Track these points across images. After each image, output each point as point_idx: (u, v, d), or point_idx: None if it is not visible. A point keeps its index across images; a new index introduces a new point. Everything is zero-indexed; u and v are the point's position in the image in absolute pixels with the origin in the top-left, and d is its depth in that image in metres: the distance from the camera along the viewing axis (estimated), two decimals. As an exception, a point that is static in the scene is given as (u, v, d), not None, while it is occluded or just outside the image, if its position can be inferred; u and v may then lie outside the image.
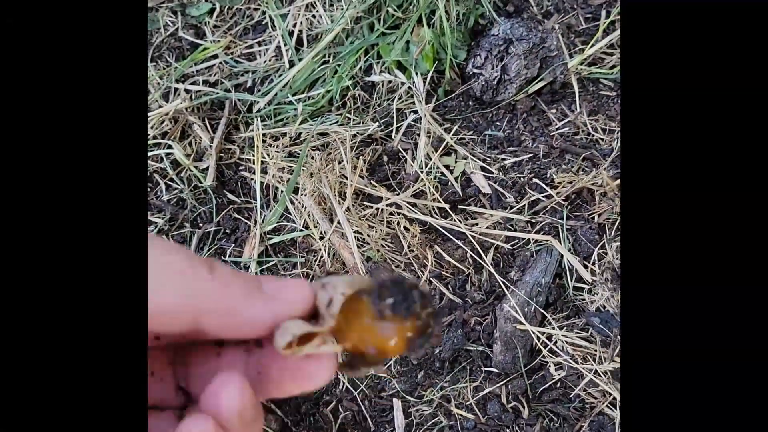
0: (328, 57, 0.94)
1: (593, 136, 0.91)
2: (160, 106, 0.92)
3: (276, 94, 0.93)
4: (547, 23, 0.95)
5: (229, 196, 0.91)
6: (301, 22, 0.96)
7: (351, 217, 0.86)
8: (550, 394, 0.84)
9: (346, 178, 0.87)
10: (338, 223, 0.86)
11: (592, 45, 0.93)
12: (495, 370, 0.85)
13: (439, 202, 0.87)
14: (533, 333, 0.83)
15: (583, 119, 0.91)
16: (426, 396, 0.84)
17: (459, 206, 0.89)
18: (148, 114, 0.91)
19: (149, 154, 0.91)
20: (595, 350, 0.83)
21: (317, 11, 0.96)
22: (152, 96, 0.93)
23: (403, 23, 0.93)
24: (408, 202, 0.87)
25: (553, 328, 0.83)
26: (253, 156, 0.90)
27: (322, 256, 0.87)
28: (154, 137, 0.91)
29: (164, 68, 0.95)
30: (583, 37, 0.96)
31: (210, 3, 0.98)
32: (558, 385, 0.84)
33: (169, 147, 0.90)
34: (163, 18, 0.98)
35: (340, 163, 0.88)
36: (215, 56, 0.96)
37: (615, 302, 0.83)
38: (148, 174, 0.90)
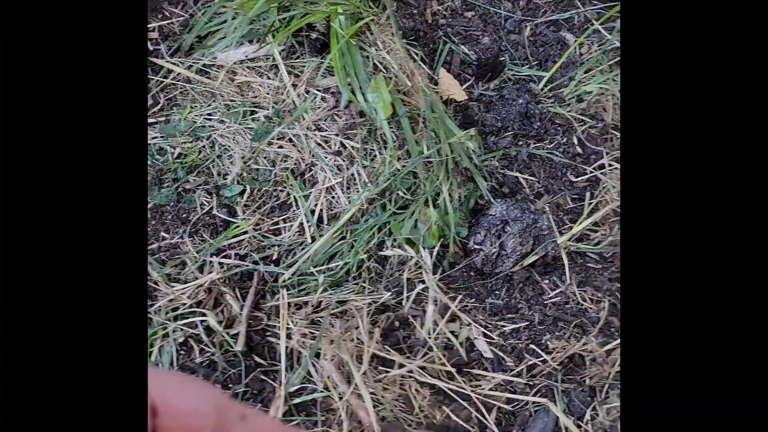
0: (346, 233, 1.13)
1: (582, 305, 1.08)
2: (196, 278, 1.10)
3: (299, 266, 1.11)
4: (539, 203, 1.15)
5: (257, 359, 1.07)
6: (322, 203, 1.16)
7: (367, 380, 1.02)
8: None
9: (363, 343, 1.03)
10: (355, 385, 1.02)
11: (579, 223, 1.12)
12: None
13: (446, 366, 1.03)
14: (534, 489, 0.97)
15: (573, 289, 1.09)
16: None
17: (464, 369, 1.05)
18: (185, 285, 1.09)
19: (184, 321, 1.08)
20: (591, 505, 0.96)
21: (336, 193, 1.16)
22: (189, 268, 1.11)
23: (411, 204, 1.13)
24: (419, 367, 1.02)
25: (552, 485, 0.96)
26: (279, 323, 1.07)
27: (340, 416, 1.02)
28: (190, 306, 1.09)
29: (200, 243, 1.14)
30: (570, 215, 1.15)
31: (241, 185, 1.18)
32: None
33: (203, 315, 1.07)
34: (199, 198, 1.18)
35: (357, 328, 1.04)
36: (245, 232, 1.15)
37: (608, 459, 0.97)
38: (183, 339, 1.07)
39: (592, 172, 1.17)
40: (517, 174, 1.19)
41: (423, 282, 1.10)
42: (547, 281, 1.11)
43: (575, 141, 1.21)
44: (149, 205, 1.19)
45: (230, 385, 1.06)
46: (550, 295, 1.09)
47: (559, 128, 1.23)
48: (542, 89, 1.26)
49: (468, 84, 1.28)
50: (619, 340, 1.02)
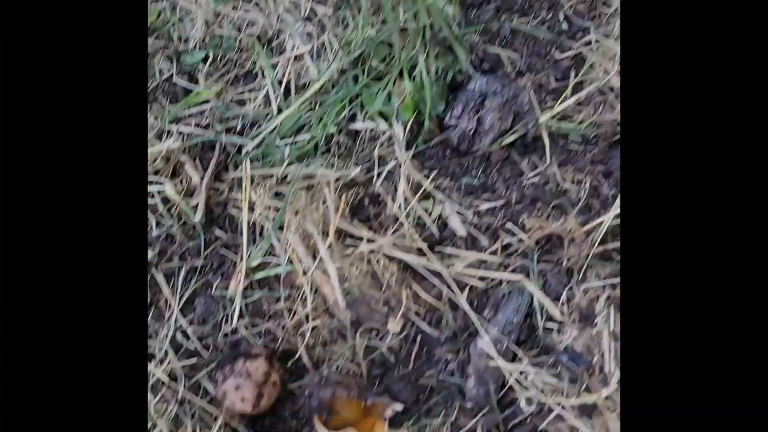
0: (315, 105, 1.06)
1: (562, 186, 1.03)
2: (154, 145, 1.02)
3: (264, 138, 1.04)
4: (521, 81, 1.09)
5: (217, 232, 1.00)
6: (290, 72, 1.08)
7: (333, 255, 0.96)
8: (521, 428, 0.93)
9: (329, 217, 0.97)
10: (320, 259, 0.96)
11: (561, 102, 1.06)
12: (468, 404, 0.94)
13: (417, 242, 0.98)
14: (505, 369, 0.93)
15: (553, 170, 1.04)
16: (403, 428, 0.92)
17: (436, 247, 1.00)
18: (141, 152, 1.02)
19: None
20: (563, 387, 0.92)
21: (305, 62, 1.08)
22: (148, 135, 1.04)
23: (385, 76, 1.06)
24: (389, 243, 0.97)
25: (525, 365, 0.93)
26: (241, 195, 1.00)
27: (304, 292, 0.97)
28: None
29: (158, 111, 1.06)
30: (553, 95, 1.09)
31: (204, 52, 1.10)
32: (528, 420, 0.93)
33: (161, 184, 1.00)
34: (159, 64, 1.09)
35: (323, 202, 0.98)
36: (207, 101, 1.07)
37: (582, 341, 0.93)
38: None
39: (577, 48, 1.11)
40: (499, 50, 1.11)
41: (396, 158, 1.04)
42: (526, 161, 1.06)
43: (561, 17, 1.14)
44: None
45: (188, 259, 1.00)
46: (528, 176, 1.04)
47: (544, 2, 1.15)
48: (529, -39, 1.18)
49: (450, -46, 1.20)
50: (600, 220, 0.98)
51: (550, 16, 1.15)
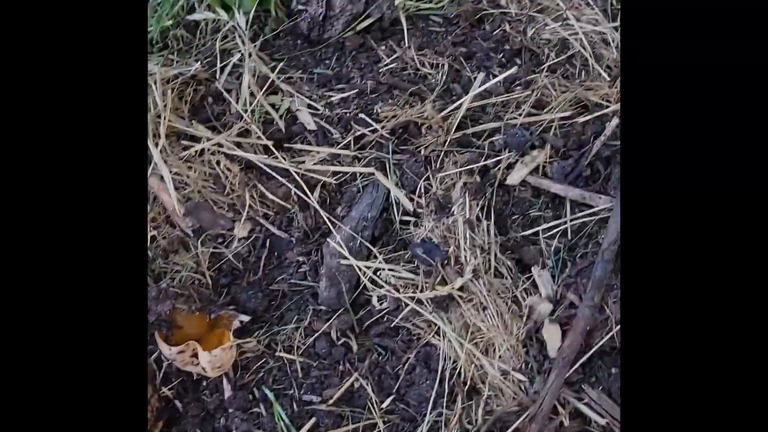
0: (149, -3, 0.96)
1: (421, 71, 0.96)
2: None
3: (94, 37, 0.95)
4: (375, -41, 1.00)
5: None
6: (120, -37, 0.98)
7: (168, 158, 0.88)
8: (377, 327, 0.87)
9: (163, 117, 0.89)
10: (155, 164, 0.88)
11: (419, -20, 0.98)
12: (322, 307, 0.88)
13: (262, 139, 0.90)
14: (357, 267, 0.87)
15: (411, 54, 0.96)
16: (253, 338, 0.86)
17: (284, 144, 0.92)
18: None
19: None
20: (419, 281, 0.86)
21: (136, -49, 0.98)
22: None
23: (225, -40, 0.96)
24: (231, 142, 0.89)
25: (379, 262, 0.86)
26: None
27: (140, 200, 0.89)
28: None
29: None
30: (412, -26, 1.00)
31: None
32: (384, 318, 0.87)
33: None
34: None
35: (164, 103, 0.90)
36: None
37: (439, 232, 0.87)
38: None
39: None
40: (353, -73, 1.02)
41: (240, 51, 0.95)
42: (383, 47, 0.98)
43: None
44: None
45: None
46: (386, 62, 0.96)
47: None
48: None
49: None
50: (458, 104, 0.91)
51: None
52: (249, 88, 0.93)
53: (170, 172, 0.89)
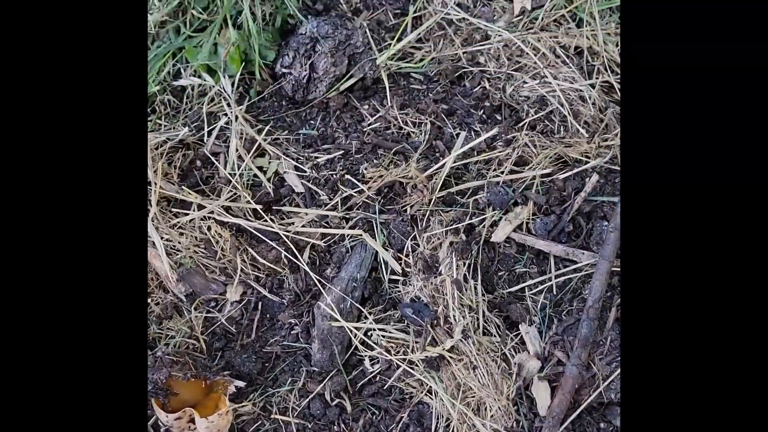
0: (135, 63, 0.98)
1: (404, 129, 0.98)
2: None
3: (81, 104, 0.96)
4: (356, 20, 1.02)
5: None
6: (105, 29, 0.99)
7: (160, 225, 0.90)
8: (370, 388, 0.89)
9: (154, 184, 0.91)
10: (146, 232, 0.90)
11: (399, 39, 1.01)
12: (315, 368, 0.90)
13: (251, 204, 0.92)
14: (349, 329, 0.89)
15: (394, 113, 0.99)
16: (248, 402, 0.88)
17: (273, 207, 0.94)
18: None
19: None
20: (410, 341, 0.89)
21: (121, 17, 1.00)
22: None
23: (209, 25, 0.98)
24: (221, 207, 0.91)
25: (370, 323, 0.89)
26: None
27: (132, 267, 0.90)
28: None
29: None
30: (393, 33, 1.03)
31: None
32: (377, 378, 0.89)
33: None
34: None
35: (153, 168, 0.92)
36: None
37: (428, 292, 0.90)
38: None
39: (415, -19, 1.05)
40: (333, -12, 1.05)
41: (226, 115, 0.97)
42: (366, 106, 1.00)
43: (395, -53, 1.08)
44: None
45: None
46: (369, 121, 0.99)
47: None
48: None
49: None
50: (441, 164, 0.94)
51: (382, -54, 1.09)
52: (237, 151, 0.95)
53: (161, 238, 0.90)
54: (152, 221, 0.90)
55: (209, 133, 0.97)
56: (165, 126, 0.97)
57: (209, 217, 0.92)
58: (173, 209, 0.93)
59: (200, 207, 0.93)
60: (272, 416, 0.88)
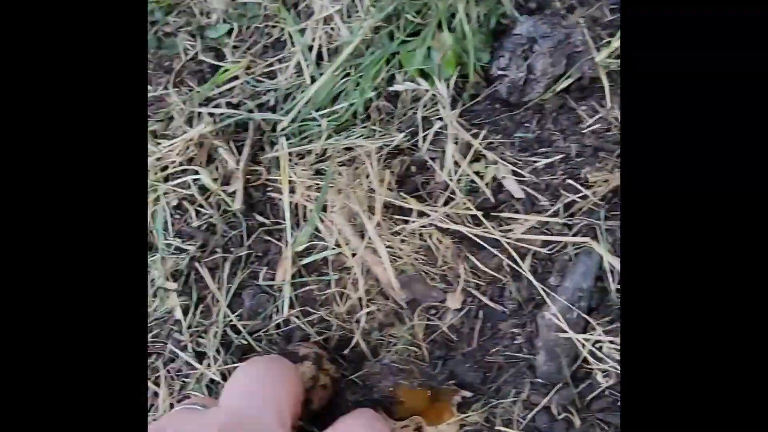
0: (350, 69, 1.00)
1: (628, 131, 0.94)
2: (185, 132, 0.98)
3: (299, 111, 0.99)
4: (571, 17, 0.99)
5: (259, 218, 0.96)
6: (320, 36, 1.01)
7: (382, 233, 0.91)
8: (599, 402, 0.86)
9: (375, 191, 0.92)
10: (369, 239, 0.91)
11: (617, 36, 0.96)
12: (540, 380, 0.88)
13: (471, 210, 0.91)
14: (577, 341, 0.86)
15: (615, 114, 0.95)
16: (474, 413, 0.87)
17: (492, 213, 0.93)
18: (173, 141, 0.98)
19: (176, 182, 0.97)
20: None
21: (335, 24, 1.01)
22: (176, 122, 1.00)
23: (423, 29, 0.98)
24: (442, 214, 0.91)
25: (599, 334, 0.86)
26: (280, 176, 0.95)
27: (355, 274, 0.92)
28: (180, 164, 0.98)
29: (186, 93, 1.01)
30: (609, 29, 0.99)
31: (228, 24, 1.04)
32: (607, 392, 0.86)
33: (196, 173, 0.96)
34: (182, 43, 1.04)
35: (367, 177, 0.92)
36: (236, 77, 1.02)
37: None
38: (177, 202, 0.97)
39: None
40: (546, -15, 1.02)
41: (441, 119, 0.97)
42: (584, 107, 0.97)
43: (613, -60, 1.03)
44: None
45: (231, 249, 0.96)
46: (588, 123, 0.96)
47: (593, -75, 1.04)
48: None
49: None
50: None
51: (600, -60, 1.04)
52: (453, 156, 0.94)
53: (384, 246, 0.91)
54: (375, 228, 0.91)
55: (424, 138, 0.97)
56: (379, 132, 0.97)
57: (430, 224, 0.92)
58: (394, 216, 0.93)
59: (420, 214, 0.93)
60: (495, 428, 0.87)
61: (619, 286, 0.89)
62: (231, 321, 0.94)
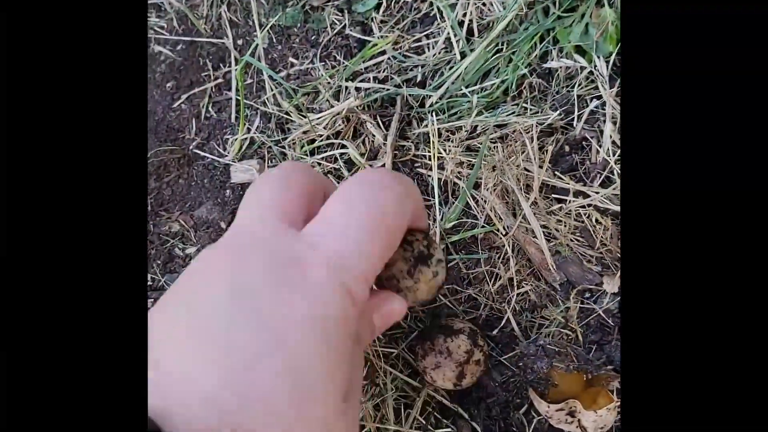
0: (502, 45, 0.97)
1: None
2: (332, 106, 0.98)
3: (448, 88, 0.97)
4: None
5: (407, 193, 0.94)
6: (471, 11, 0.99)
7: (538, 212, 0.88)
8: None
9: (529, 171, 0.89)
10: (523, 217, 0.88)
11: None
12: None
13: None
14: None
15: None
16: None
17: (653, 195, 0.89)
18: (321, 114, 0.97)
19: (323, 155, 0.97)
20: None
21: (488, -1, 0.99)
22: (323, 96, 0.99)
23: (581, 5, 0.95)
24: (597, 194, 0.88)
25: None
26: (429, 152, 0.94)
27: (506, 253, 0.89)
28: (327, 137, 0.97)
29: (333, 67, 1.01)
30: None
31: (376, -2, 1.03)
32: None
33: (344, 147, 0.95)
34: (329, 17, 1.04)
35: (523, 152, 0.90)
36: (383, 52, 1.01)
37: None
38: (324, 173, 0.96)
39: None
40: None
41: (598, 98, 0.93)
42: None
43: None
44: (274, 27, 1.06)
45: (378, 223, 0.95)
46: None
47: None
48: None
49: None
50: None
51: None
52: (611, 137, 0.91)
53: (540, 225, 0.88)
54: (531, 207, 0.88)
55: (579, 117, 0.94)
56: (531, 110, 0.94)
57: (590, 204, 0.89)
58: (551, 195, 0.91)
59: (577, 194, 0.90)
60: (655, 418, 0.83)
61: None
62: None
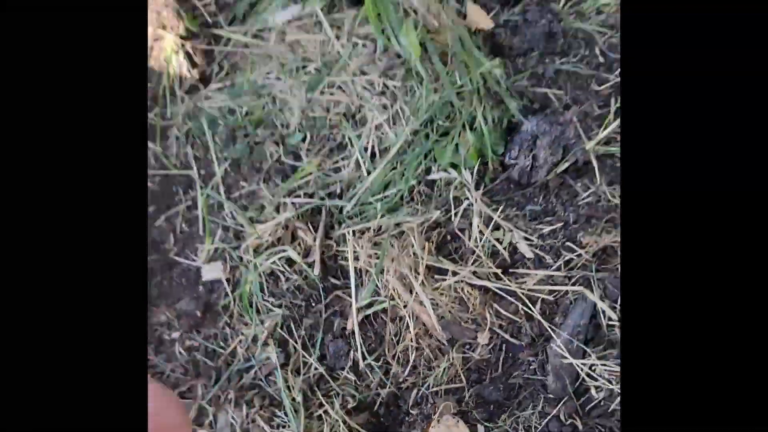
0: (397, 164, 1.34)
1: (612, 201, 1.26)
2: (274, 217, 1.34)
3: (359, 197, 1.33)
4: (567, 114, 1.32)
5: (333, 280, 1.30)
6: (373, 140, 1.36)
7: (426, 288, 1.24)
8: (596, 411, 1.16)
9: (418, 257, 1.25)
10: (416, 294, 1.24)
11: (605, 128, 1.29)
12: (551, 395, 1.19)
13: (493, 269, 1.24)
14: (577, 365, 1.17)
15: (603, 189, 1.26)
16: (501, 422, 1.18)
17: (509, 270, 1.25)
18: (266, 225, 1.33)
19: (271, 259, 1.32)
20: (629, 373, 1.15)
21: (384, 129, 1.37)
22: (267, 210, 1.36)
23: (451, 131, 1.32)
24: (469, 272, 1.24)
25: (593, 360, 1.16)
26: (347, 248, 1.30)
27: (407, 321, 1.25)
28: (272, 243, 1.33)
29: (274, 187, 1.38)
30: (598, 121, 1.31)
31: (302, 133, 1.41)
32: (602, 403, 1.17)
33: (284, 250, 1.32)
34: (268, 148, 1.41)
35: (413, 246, 1.26)
36: (310, 173, 1.38)
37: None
38: (270, 271, 1.32)
39: (614, 78, 1.32)
40: (546, 90, 1.35)
41: (468, 198, 1.30)
42: (579, 184, 1.28)
43: (597, 52, 1.36)
44: (227, 161, 1.43)
45: (314, 305, 1.31)
46: (582, 197, 1.27)
47: (581, 42, 1.37)
48: (563, 7, 1.41)
49: (494, 12, 1.44)
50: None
51: (587, 53, 1.37)
52: (478, 227, 1.27)
53: (428, 298, 1.24)
54: (420, 285, 1.24)
55: (455, 214, 1.30)
56: (421, 210, 1.31)
57: (462, 281, 1.25)
58: (434, 275, 1.26)
59: (454, 273, 1.25)
60: (519, 434, 1.18)
61: (608, 322, 1.20)
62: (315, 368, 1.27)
